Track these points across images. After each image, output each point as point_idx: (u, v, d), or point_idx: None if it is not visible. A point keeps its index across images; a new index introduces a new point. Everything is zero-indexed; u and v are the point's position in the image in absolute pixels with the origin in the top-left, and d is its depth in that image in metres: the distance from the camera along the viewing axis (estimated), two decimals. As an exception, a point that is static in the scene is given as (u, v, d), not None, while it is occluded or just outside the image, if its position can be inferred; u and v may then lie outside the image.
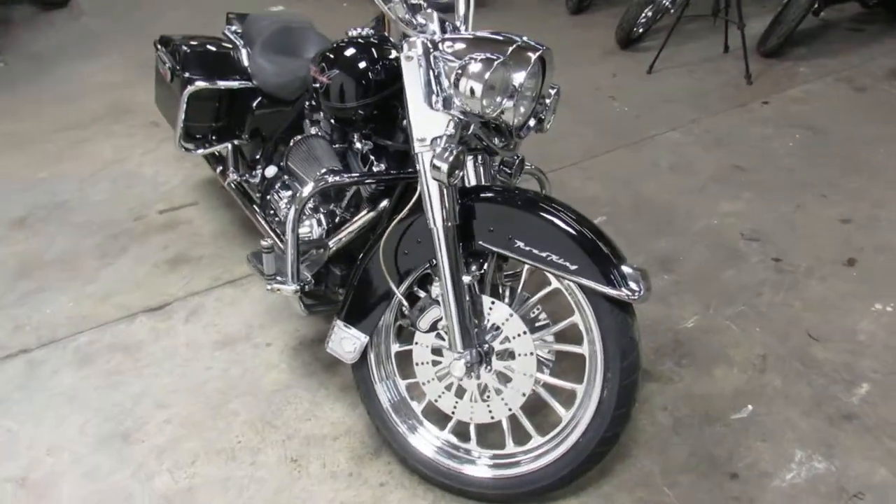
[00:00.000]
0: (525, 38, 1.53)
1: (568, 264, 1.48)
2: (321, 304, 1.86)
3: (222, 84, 2.34)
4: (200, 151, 2.55)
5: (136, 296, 2.56)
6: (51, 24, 6.17)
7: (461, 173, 1.48)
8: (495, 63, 1.39)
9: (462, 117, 1.46)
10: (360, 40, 1.81)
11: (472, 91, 1.38)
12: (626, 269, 1.47)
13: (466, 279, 1.55)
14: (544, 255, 1.50)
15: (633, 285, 1.45)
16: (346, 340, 1.70)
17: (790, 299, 2.28)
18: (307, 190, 1.67)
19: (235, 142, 2.48)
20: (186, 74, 2.35)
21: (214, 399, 2.07)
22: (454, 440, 1.72)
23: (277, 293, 1.71)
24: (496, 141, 1.61)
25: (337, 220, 2.00)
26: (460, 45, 1.50)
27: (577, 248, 1.48)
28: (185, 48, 2.39)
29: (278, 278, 1.72)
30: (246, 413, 2.01)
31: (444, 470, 1.68)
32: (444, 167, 1.41)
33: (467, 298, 1.55)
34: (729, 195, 2.88)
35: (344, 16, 5.75)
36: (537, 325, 1.74)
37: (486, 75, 1.38)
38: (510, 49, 1.47)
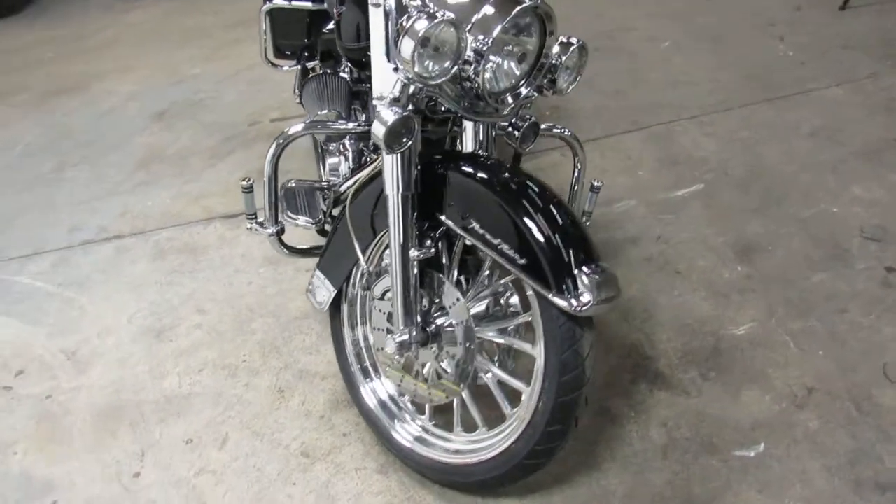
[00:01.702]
0: None
1: (517, 257, 1.31)
2: (306, 248, 1.84)
3: (295, 4, 2.31)
4: (286, 68, 2.58)
5: (221, 201, 2.74)
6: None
7: (409, 141, 1.34)
8: (435, 22, 1.21)
9: (405, 80, 1.30)
10: None
11: (408, 53, 1.22)
12: (584, 274, 1.27)
13: (415, 253, 1.44)
14: (496, 241, 1.34)
15: (583, 295, 1.25)
16: (319, 290, 1.69)
17: (882, 323, 1.85)
18: (290, 131, 1.62)
19: (308, 64, 2.47)
20: (266, -4, 2.35)
21: (243, 314, 2.19)
22: (408, 407, 1.67)
23: (257, 233, 1.72)
24: (480, 105, 1.42)
25: (363, 160, 1.94)
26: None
27: (532, 240, 1.30)
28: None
29: (258, 218, 1.72)
30: (262, 333, 2.11)
31: (383, 430, 1.66)
32: (380, 132, 1.29)
33: (415, 273, 1.45)
34: (868, 177, 2.35)
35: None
36: (509, 311, 1.58)
37: (420, 35, 1.20)
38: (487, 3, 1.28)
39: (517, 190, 1.36)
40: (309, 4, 2.33)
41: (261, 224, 1.70)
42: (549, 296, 1.27)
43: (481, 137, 1.55)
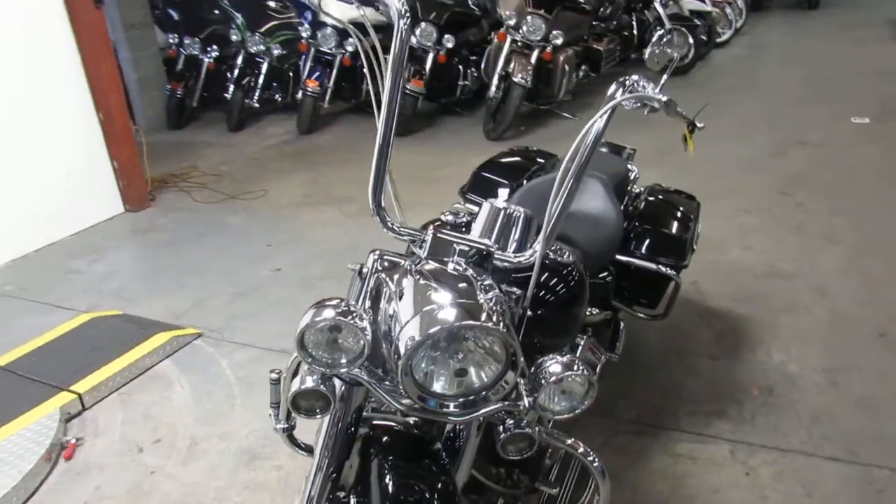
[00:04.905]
0: (477, 301, 1.20)
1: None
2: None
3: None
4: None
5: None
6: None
7: (323, 415, 1.30)
8: (338, 318, 1.17)
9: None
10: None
11: (299, 328, 1.21)
12: None
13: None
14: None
15: None
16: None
17: None
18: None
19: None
20: (465, 191, 2.48)
21: (317, 475, 2.28)
22: None
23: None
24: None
25: None
26: (398, 279, 1.30)
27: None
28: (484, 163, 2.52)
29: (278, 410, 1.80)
30: None
31: None
32: (288, 394, 1.29)
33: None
34: None
35: None
36: None
37: (307, 322, 1.17)
38: (426, 307, 1.20)
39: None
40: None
41: (276, 416, 1.79)
42: None
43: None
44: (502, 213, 1.49)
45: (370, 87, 1.48)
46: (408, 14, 1.37)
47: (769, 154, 4.81)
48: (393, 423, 1.45)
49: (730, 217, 3.84)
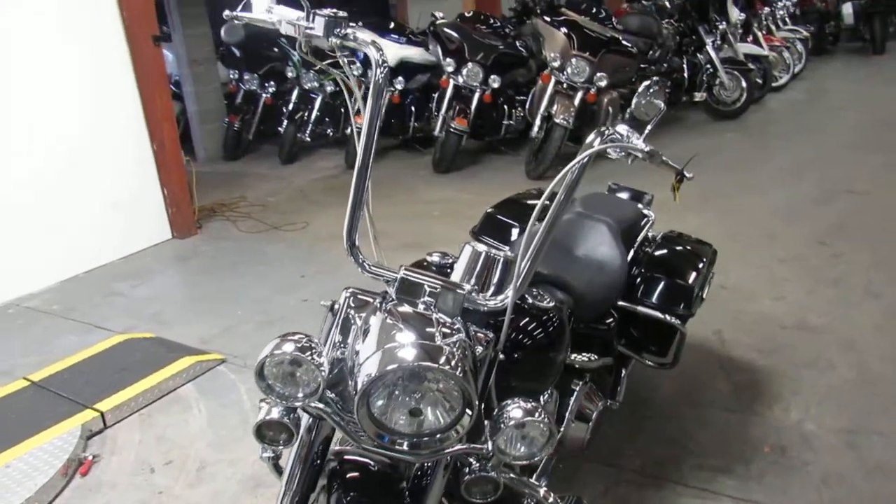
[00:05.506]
0: (438, 343, 1.23)
1: None
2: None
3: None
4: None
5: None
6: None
7: (285, 447, 1.34)
8: (295, 353, 1.22)
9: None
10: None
11: (259, 358, 1.26)
12: None
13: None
14: None
15: None
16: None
17: None
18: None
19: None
20: (476, 231, 2.51)
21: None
22: None
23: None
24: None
25: None
26: (365, 316, 1.34)
27: None
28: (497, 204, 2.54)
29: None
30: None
31: None
32: (252, 427, 1.33)
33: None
34: None
35: None
36: None
37: (265, 355, 1.23)
38: (387, 346, 1.23)
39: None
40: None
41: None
42: None
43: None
44: (482, 256, 1.51)
45: (353, 130, 1.54)
46: (385, 63, 1.43)
47: (814, 201, 4.67)
48: (364, 460, 1.47)
49: (764, 265, 3.74)
